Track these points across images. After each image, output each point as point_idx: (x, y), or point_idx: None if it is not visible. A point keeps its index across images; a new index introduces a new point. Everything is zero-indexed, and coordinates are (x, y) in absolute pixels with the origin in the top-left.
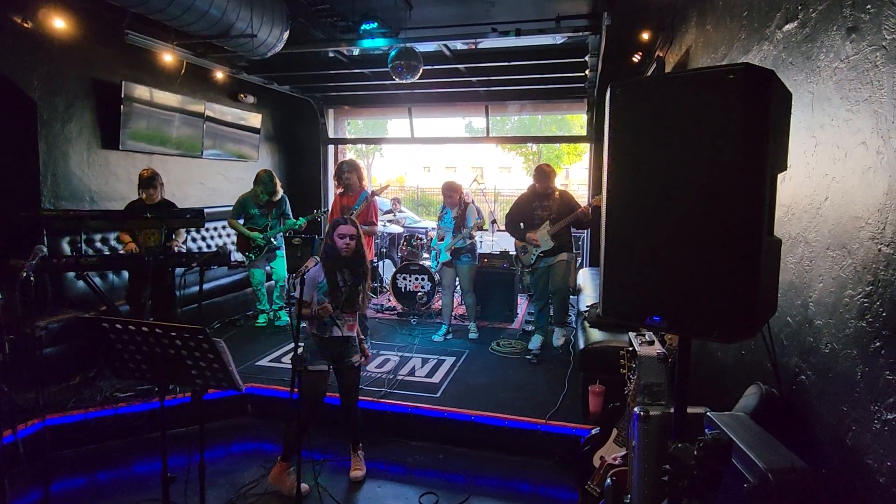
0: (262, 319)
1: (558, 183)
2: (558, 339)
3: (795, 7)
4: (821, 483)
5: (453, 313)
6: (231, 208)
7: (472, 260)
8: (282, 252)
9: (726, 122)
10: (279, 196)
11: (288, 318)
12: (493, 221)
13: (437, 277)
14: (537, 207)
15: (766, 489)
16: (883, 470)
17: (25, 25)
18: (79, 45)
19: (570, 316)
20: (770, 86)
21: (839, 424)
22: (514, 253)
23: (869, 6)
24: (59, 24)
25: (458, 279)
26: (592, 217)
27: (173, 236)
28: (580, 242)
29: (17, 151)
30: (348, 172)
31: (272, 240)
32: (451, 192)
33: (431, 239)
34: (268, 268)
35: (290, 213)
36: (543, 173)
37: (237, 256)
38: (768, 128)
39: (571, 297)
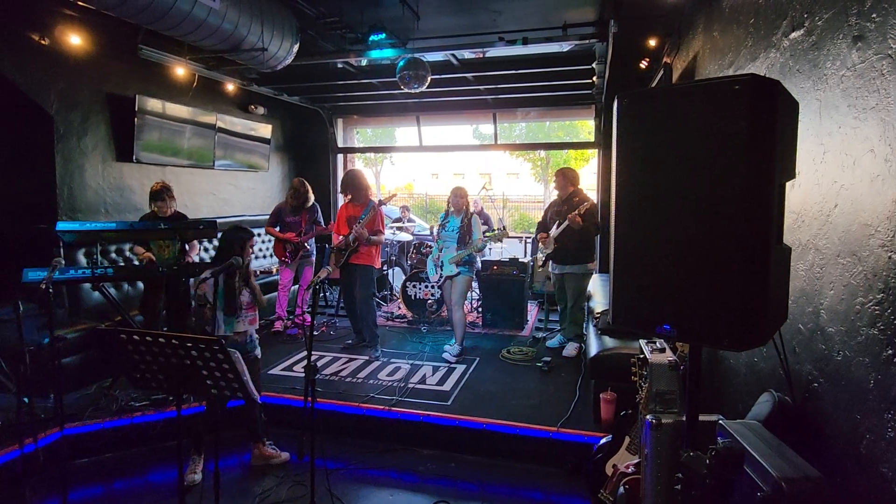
0: (279, 324)
1: None
2: (569, 352)
3: (801, 15)
4: (835, 492)
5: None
6: (244, 217)
7: (470, 271)
8: (312, 261)
9: (733, 132)
10: (311, 203)
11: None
12: (503, 227)
13: (439, 292)
14: (555, 212)
15: (780, 498)
16: None
17: (42, 42)
18: (94, 60)
19: (584, 330)
20: (776, 96)
21: (853, 433)
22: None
23: (874, 15)
24: (74, 40)
25: (451, 291)
26: (586, 226)
27: (187, 248)
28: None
29: (34, 165)
30: (354, 187)
31: (306, 245)
32: (459, 198)
33: (431, 249)
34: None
35: (322, 220)
36: (559, 177)
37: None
38: (775, 137)
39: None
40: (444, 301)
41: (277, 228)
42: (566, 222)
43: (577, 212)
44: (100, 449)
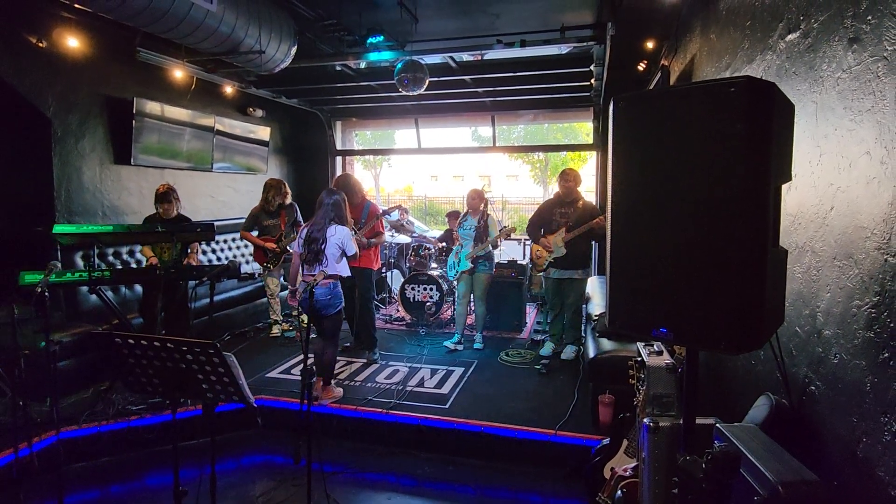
0: (276, 329)
1: None
2: (569, 355)
3: (797, 17)
4: (832, 495)
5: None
6: (242, 220)
7: (490, 268)
8: None
9: (729, 134)
10: (289, 202)
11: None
12: (502, 229)
13: (453, 285)
14: (557, 213)
15: (777, 502)
16: (895, 482)
17: (40, 45)
18: (92, 62)
19: (583, 334)
20: (772, 98)
21: (850, 436)
22: (530, 257)
23: (870, 17)
24: (72, 42)
25: (473, 287)
26: (602, 232)
27: (189, 251)
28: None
29: (32, 167)
30: (348, 192)
31: (287, 248)
32: (475, 200)
33: (430, 251)
34: (282, 279)
35: (302, 221)
36: (566, 178)
37: (247, 269)
38: (771, 140)
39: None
40: (442, 304)
41: (255, 234)
42: (584, 227)
43: (602, 217)
44: (96, 453)
